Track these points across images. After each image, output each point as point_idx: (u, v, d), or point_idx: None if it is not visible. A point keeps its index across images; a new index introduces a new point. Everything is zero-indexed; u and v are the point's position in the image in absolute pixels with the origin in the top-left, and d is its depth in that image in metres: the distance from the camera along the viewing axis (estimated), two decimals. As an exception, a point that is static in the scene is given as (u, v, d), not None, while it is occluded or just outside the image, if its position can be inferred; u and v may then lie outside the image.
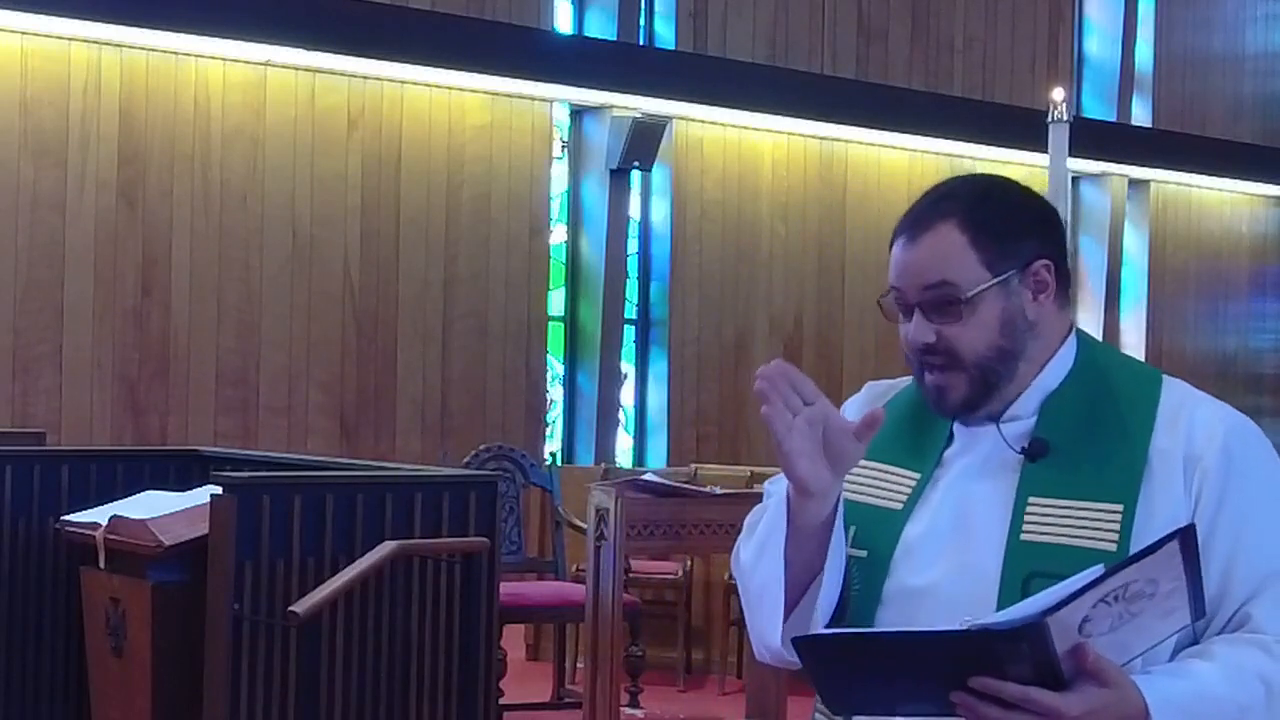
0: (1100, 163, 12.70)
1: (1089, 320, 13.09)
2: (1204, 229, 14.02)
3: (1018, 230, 2.16)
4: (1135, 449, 2.10)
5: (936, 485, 2.18)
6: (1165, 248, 13.67)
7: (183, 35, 8.85)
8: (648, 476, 6.04)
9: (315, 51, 9.28)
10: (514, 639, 7.30)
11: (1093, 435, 2.13)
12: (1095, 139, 11.79)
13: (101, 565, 4.99)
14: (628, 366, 11.10)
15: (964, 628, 1.84)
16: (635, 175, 10.82)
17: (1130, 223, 13.47)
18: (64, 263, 8.75)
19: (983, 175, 2.29)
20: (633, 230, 11.07)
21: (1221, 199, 14.15)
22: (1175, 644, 2.04)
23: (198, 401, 9.11)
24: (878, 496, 2.21)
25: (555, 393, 10.85)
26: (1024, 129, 10.02)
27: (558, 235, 10.78)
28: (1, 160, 8.59)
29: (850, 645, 1.92)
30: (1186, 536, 1.88)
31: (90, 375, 8.81)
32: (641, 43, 11.00)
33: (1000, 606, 2.02)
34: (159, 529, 4.80)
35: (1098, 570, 1.87)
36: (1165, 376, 2.19)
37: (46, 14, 8.46)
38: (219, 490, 4.62)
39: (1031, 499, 2.10)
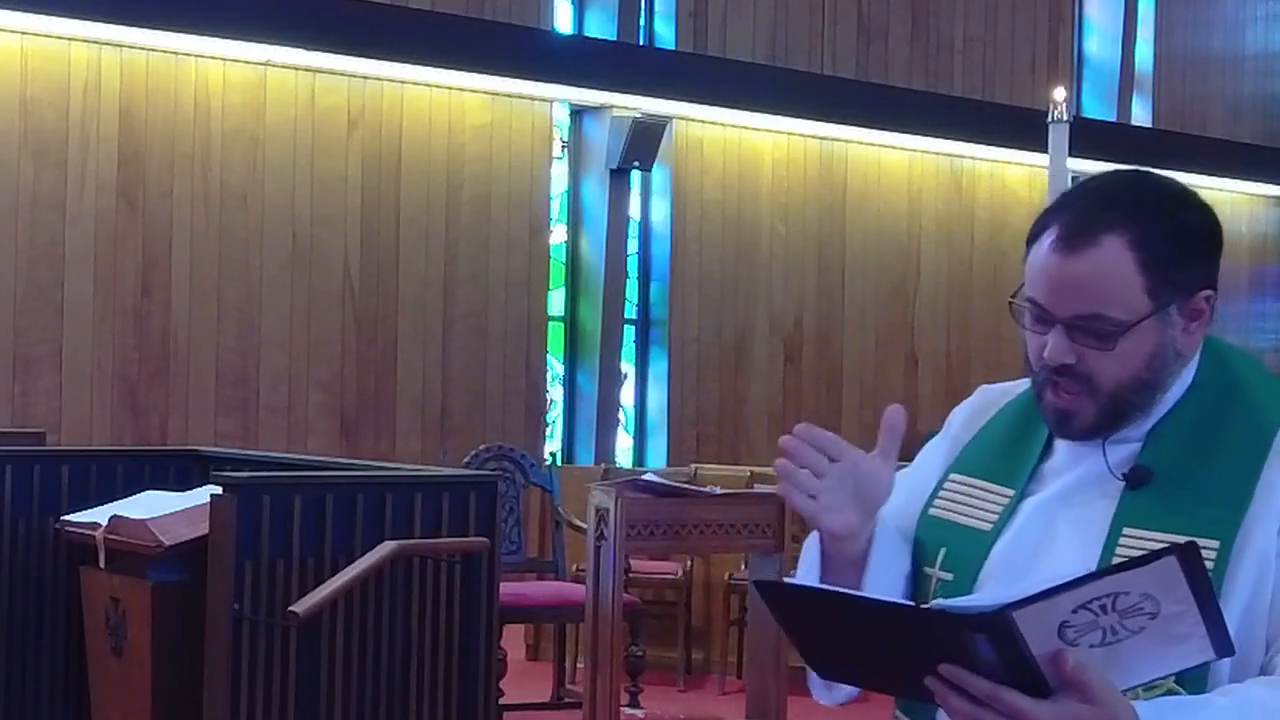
0: (1100, 163, 12.67)
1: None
2: (1204, 229, 14.01)
3: (1189, 255, 1.95)
4: (1243, 480, 1.91)
5: (1028, 503, 2.02)
6: (1165, 248, 13.66)
7: (183, 35, 8.85)
8: (648, 476, 6.04)
9: (315, 51, 9.28)
10: (514, 639, 7.30)
11: (1201, 462, 1.94)
12: (1095, 139, 11.79)
13: (101, 565, 4.99)
14: (628, 366, 11.10)
15: (928, 607, 1.74)
16: (635, 175, 10.82)
17: (1130, 223, 13.46)
18: (64, 263, 8.75)
19: (1153, 178, 2.01)
20: (633, 230, 11.07)
21: (1221, 199, 14.14)
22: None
23: (198, 401, 9.11)
24: (969, 516, 2.06)
25: (555, 393, 10.85)
26: (1024, 129, 10.03)
27: (558, 235, 10.79)
28: (1, 160, 8.60)
29: (813, 601, 1.83)
30: (1186, 554, 1.71)
31: (90, 375, 8.81)
32: (641, 43, 11.00)
33: None
34: (159, 529, 4.81)
35: (1077, 571, 1.74)
36: None
37: (46, 14, 8.46)
38: (219, 490, 4.62)
39: (1126, 529, 1.93)
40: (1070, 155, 7.33)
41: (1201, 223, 1.97)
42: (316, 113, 9.52)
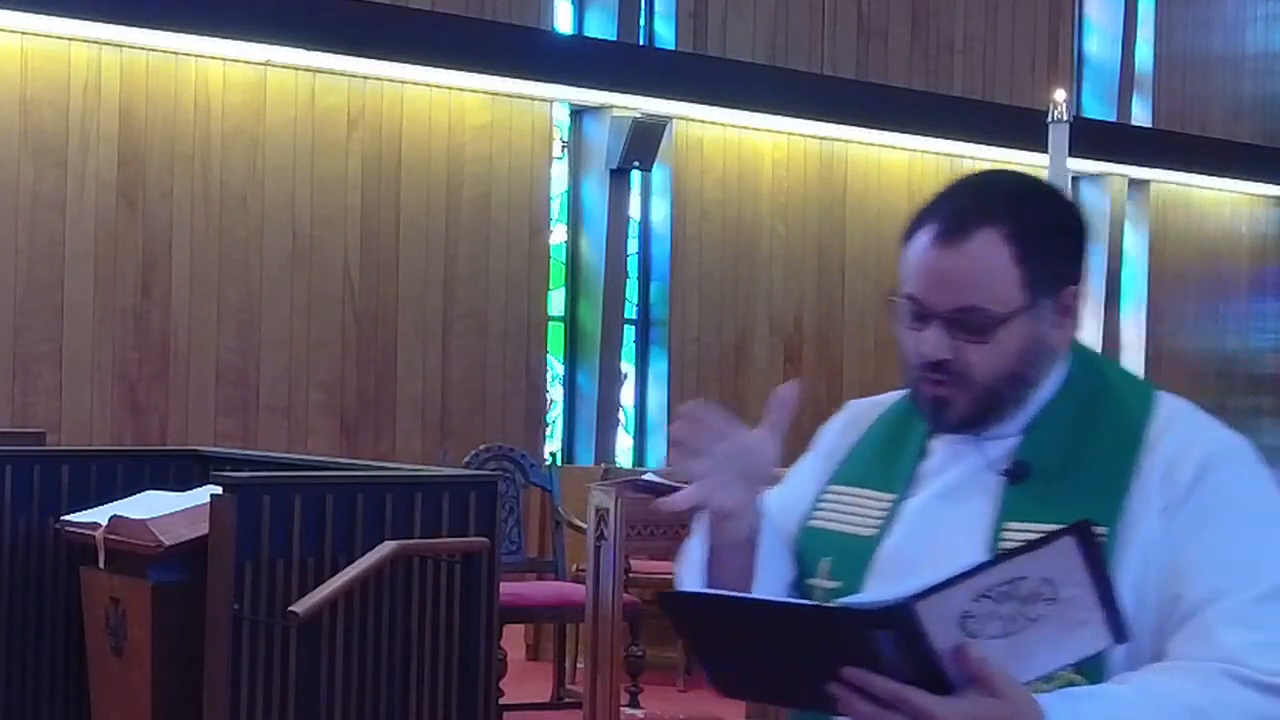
0: (1100, 163, 12.70)
1: (1089, 320, 13.08)
2: (1204, 229, 14.02)
3: (1061, 250, 2.00)
4: (1120, 471, 1.94)
5: (909, 504, 2.04)
6: (1165, 248, 13.67)
7: (183, 35, 8.85)
8: (648, 476, 6.04)
9: (315, 51, 9.28)
10: (514, 639, 7.30)
11: (1077, 457, 1.98)
12: (1095, 139, 11.79)
13: (101, 565, 4.99)
14: (628, 366, 11.10)
15: (830, 605, 1.72)
16: (635, 175, 10.82)
17: (1130, 223, 13.47)
18: (64, 263, 8.75)
19: (1026, 176, 2.08)
20: (633, 230, 11.07)
21: (1221, 199, 14.15)
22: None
23: (198, 401, 9.11)
24: (850, 524, 2.07)
25: (555, 393, 10.85)
26: (1024, 129, 10.03)
27: (558, 235, 10.78)
28: (1, 160, 8.60)
29: (713, 608, 1.79)
30: (1083, 533, 1.70)
31: (90, 375, 8.81)
32: (641, 43, 11.00)
33: None
34: (159, 529, 4.81)
35: (978, 558, 1.74)
36: (1160, 393, 2.05)
37: (46, 14, 8.46)
38: (219, 490, 4.62)
39: (1009, 524, 1.95)
40: (1070, 155, 7.33)
41: (1071, 220, 2.02)
42: (316, 113, 9.52)
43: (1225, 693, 1.80)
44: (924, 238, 1.98)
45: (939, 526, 1.99)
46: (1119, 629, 1.75)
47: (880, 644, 1.67)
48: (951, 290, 1.95)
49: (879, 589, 1.89)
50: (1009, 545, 1.88)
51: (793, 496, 2.17)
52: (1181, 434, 1.97)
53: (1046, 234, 1.98)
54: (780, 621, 1.74)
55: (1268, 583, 1.86)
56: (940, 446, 2.05)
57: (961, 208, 1.98)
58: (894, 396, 2.15)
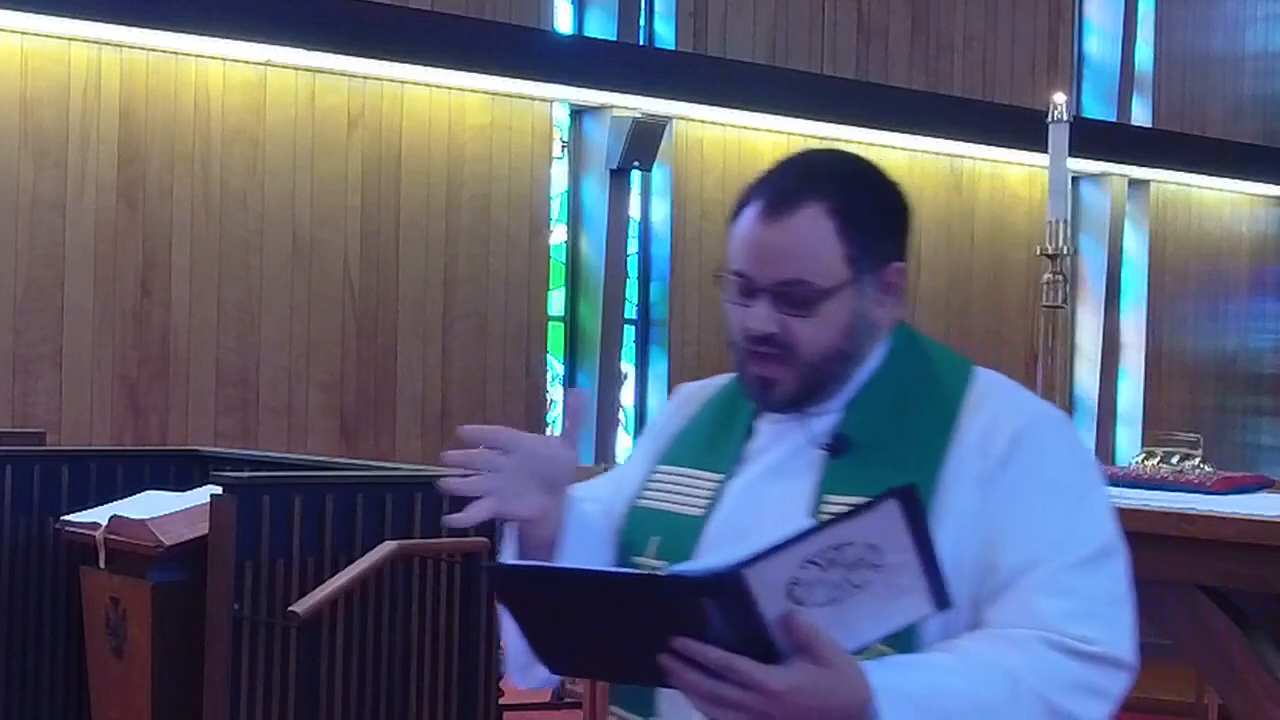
0: (1100, 163, 12.70)
1: (1089, 320, 13.10)
2: (1204, 229, 14.02)
3: (885, 227, 2.04)
4: (936, 443, 1.97)
5: (737, 480, 2.06)
6: (1165, 248, 13.67)
7: (183, 35, 8.85)
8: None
9: (315, 51, 9.28)
10: (514, 639, 7.29)
11: (896, 430, 2.01)
12: (1095, 139, 11.79)
13: (101, 565, 5.00)
14: (628, 366, 11.10)
15: (660, 574, 1.71)
16: (635, 175, 10.82)
17: (1130, 223, 13.47)
18: (64, 263, 8.75)
19: (850, 155, 2.11)
20: (633, 230, 11.07)
21: (1221, 199, 14.15)
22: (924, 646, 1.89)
23: (198, 401, 9.11)
24: (678, 503, 2.09)
25: (555, 393, 10.85)
26: (1024, 129, 10.02)
27: (558, 235, 10.78)
28: (1, 160, 8.60)
29: (543, 580, 1.79)
30: (906, 497, 1.71)
31: (90, 375, 8.81)
32: (641, 43, 11.00)
33: None
34: (159, 529, 4.81)
35: (805, 523, 1.74)
36: (978, 368, 2.07)
37: (46, 14, 8.46)
38: (219, 490, 4.62)
39: (828, 496, 1.97)
40: (1070, 155, 7.34)
41: (895, 198, 2.06)
42: (316, 113, 9.51)
43: (1041, 659, 1.83)
44: (750, 213, 2.02)
45: (762, 503, 2.01)
46: (941, 596, 1.76)
47: (709, 612, 1.65)
48: (777, 263, 1.98)
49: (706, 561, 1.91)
50: (830, 514, 1.90)
51: (625, 479, 2.21)
52: (996, 405, 2.00)
53: (870, 211, 2.02)
54: (609, 592, 1.72)
55: (1081, 550, 1.90)
56: (766, 426, 2.08)
57: (786, 184, 2.02)
58: (725, 379, 2.17)
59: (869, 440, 2.00)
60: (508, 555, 2.06)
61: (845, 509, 1.79)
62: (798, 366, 2.00)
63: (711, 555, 1.89)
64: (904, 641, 1.86)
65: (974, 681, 1.81)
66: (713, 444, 2.12)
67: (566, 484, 2.04)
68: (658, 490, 2.13)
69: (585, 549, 2.04)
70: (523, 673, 2.09)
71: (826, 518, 1.87)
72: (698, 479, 2.10)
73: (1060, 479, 1.96)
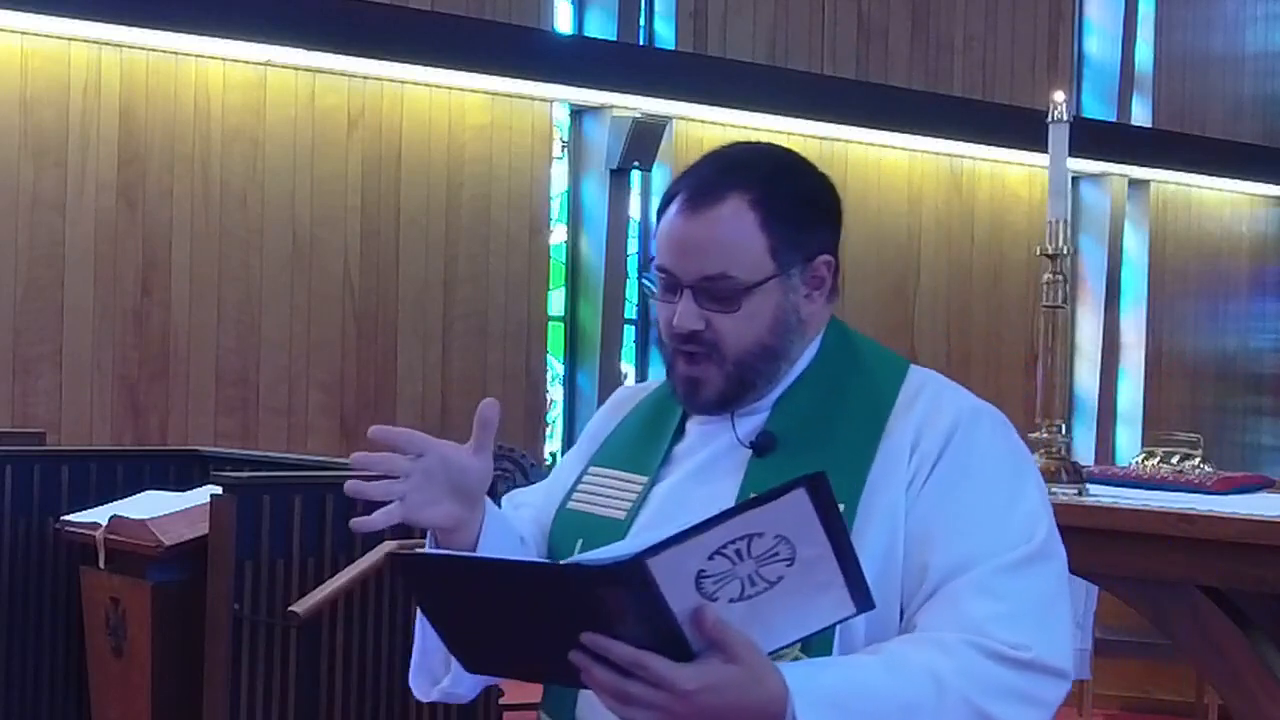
0: (1100, 163, 12.70)
1: (1089, 320, 13.10)
2: (1204, 229, 14.02)
3: (810, 219, 1.99)
4: (864, 442, 1.92)
5: (662, 484, 2.01)
6: (1165, 248, 13.67)
7: (183, 35, 8.85)
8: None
9: (315, 51, 9.28)
10: (514, 639, 7.29)
11: (824, 428, 1.95)
12: (1095, 139, 11.79)
13: (101, 565, 5.00)
14: (628, 366, 11.10)
15: (563, 563, 1.64)
16: (635, 175, 10.82)
17: (1130, 223, 13.47)
18: (64, 263, 8.75)
19: (775, 147, 2.09)
20: (633, 230, 11.07)
21: (1221, 199, 14.15)
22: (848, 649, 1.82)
23: (198, 401, 9.11)
24: (604, 506, 2.04)
25: (555, 393, 10.85)
26: (1024, 129, 10.02)
27: (558, 235, 10.79)
28: (1, 160, 8.60)
29: (448, 570, 1.73)
30: (815, 485, 1.63)
31: (90, 375, 8.81)
32: (641, 43, 11.00)
33: None
34: (159, 529, 4.81)
35: (709, 512, 1.64)
36: (913, 366, 2.02)
37: (46, 14, 8.46)
38: (219, 490, 4.62)
39: (753, 495, 1.86)
40: (1070, 155, 7.33)
41: (820, 190, 2.02)
42: (316, 113, 9.52)
43: (968, 663, 1.78)
44: (673, 207, 2.00)
45: (686, 505, 1.92)
46: (861, 595, 1.70)
47: (613, 604, 1.60)
48: (699, 258, 1.94)
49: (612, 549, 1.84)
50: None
51: (559, 482, 2.17)
52: (928, 404, 1.95)
53: (794, 203, 1.98)
54: (514, 582, 1.67)
55: (1013, 551, 1.85)
56: (695, 427, 2.03)
57: (709, 176, 2.02)
58: (659, 382, 2.13)
59: (795, 439, 1.94)
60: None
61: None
62: (724, 365, 1.95)
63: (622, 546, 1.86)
64: (823, 645, 1.80)
65: (897, 683, 1.75)
66: (641, 445, 2.07)
67: (481, 493, 1.95)
68: (586, 493, 2.08)
69: (501, 550, 1.97)
70: (424, 678, 2.03)
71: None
72: (624, 481, 2.05)
73: (992, 476, 1.91)
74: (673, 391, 2.02)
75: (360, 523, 1.92)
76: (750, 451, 1.96)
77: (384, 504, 1.90)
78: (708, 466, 1.99)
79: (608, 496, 2.05)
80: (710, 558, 1.61)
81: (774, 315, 1.95)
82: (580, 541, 1.99)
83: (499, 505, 2.09)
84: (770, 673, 1.67)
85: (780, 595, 1.66)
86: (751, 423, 1.98)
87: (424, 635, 2.03)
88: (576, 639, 1.63)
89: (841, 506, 1.75)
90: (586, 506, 2.06)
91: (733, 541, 1.61)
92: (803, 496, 1.63)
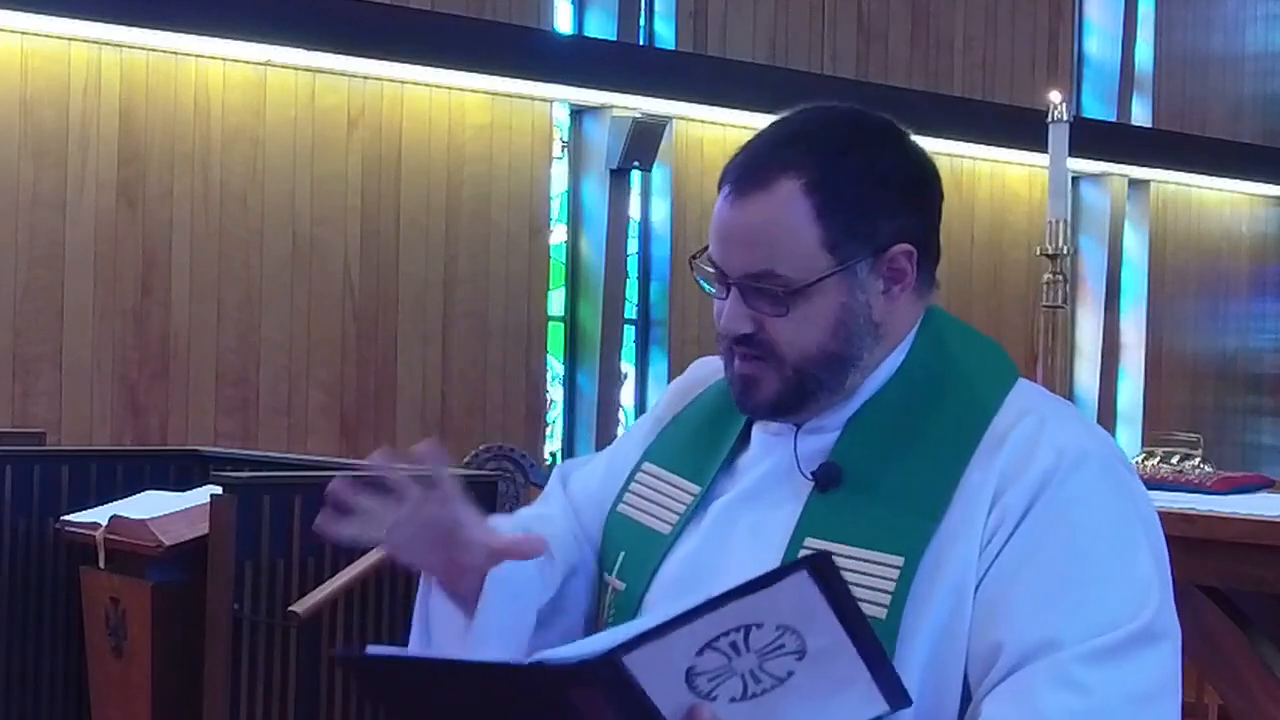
0: (1100, 163, 12.70)
1: (1089, 320, 13.09)
2: (1204, 229, 14.02)
3: (883, 203, 1.69)
4: (940, 483, 1.60)
5: (712, 503, 1.74)
6: (1165, 248, 13.67)
7: (183, 35, 8.85)
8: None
9: (315, 51, 9.28)
10: (514, 639, 7.28)
11: (895, 461, 1.64)
12: (1095, 139, 11.78)
13: (101, 565, 4.99)
14: (628, 366, 11.10)
15: (527, 662, 1.40)
16: (635, 175, 10.82)
17: (1130, 223, 13.47)
18: (64, 263, 8.75)
19: (849, 111, 1.75)
20: (633, 230, 11.06)
21: (1221, 199, 14.15)
22: None
23: (198, 401, 9.11)
24: (650, 515, 1.78)
25: (555, 393, 10.85)
26: (1024, 129, 10.02)
27: (558, 235, 10.78)
28: (1, 160, 8.59)
29: (399, 670, 1.52)
30: (820, 567, 1.39)
31: (90, 375, 8.81)
32: (641, 43, 10.99)
33: None
34: (159, 529, 4.81)
35: (693, 600, 1.40)
36: (1021, 383, 1.69)
37: (46, 14, 8.45)
38: (219, 490, 4.62)
39: (808, 540, 1.62)
40: (1070, 155, 7.34)
41: (900, 165, 1.72)
42: (316, 113, 9.51)
43: None
44: (723, 190, 1.70)
45: (735, 533, 1.69)
46: (894, 691, 1.45)
47: (591, 704, 1.37)
48: (744, 253, 1.66)
49: (655, 609, 1.64)
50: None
51: (617, 467, 1.89)
52: (1023, 441, 1.62)
53: (863, 185, 1.67)
54: (479, 684, 1.46)
55: (1107, 634, 1.53)
56: (760, 434, 1.75)
57: (762, 153, 1.69)
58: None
59: (863, 473, 1.65)
60: (436, 603, 1.77)
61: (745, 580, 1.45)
62: (782, 369, 1.67)
63: (667, 596, 1.66)
64: None
65: None
66: (698, 448, 1.79)
67: (472, 541, 1.69)
68: (638, 494, 1.82)
69: (505, 614, 1.71)
70: None
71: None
72: (675, 488, 1.78)
73: (1091, 537, 1.57)
74: (729, 389, 1.75)
75: (327, 527, 1.67)
76: (812, 482, 1.67)
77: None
78: (764, 489, 1.71)
79: (656, 504, 1.79)
80: (699, 653, 1.39)
81: (837, 317, 1.66)
82: (622, 554, 1.76)
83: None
84: None
85: (793, 693, 1.42)
86: (816, 444, 1.70)
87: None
88: None
89: (900, 561, 1.56)
90: (634, 513, 1.80)
91: (725, 634, 1.39)
92: (805, 580, 1.40)
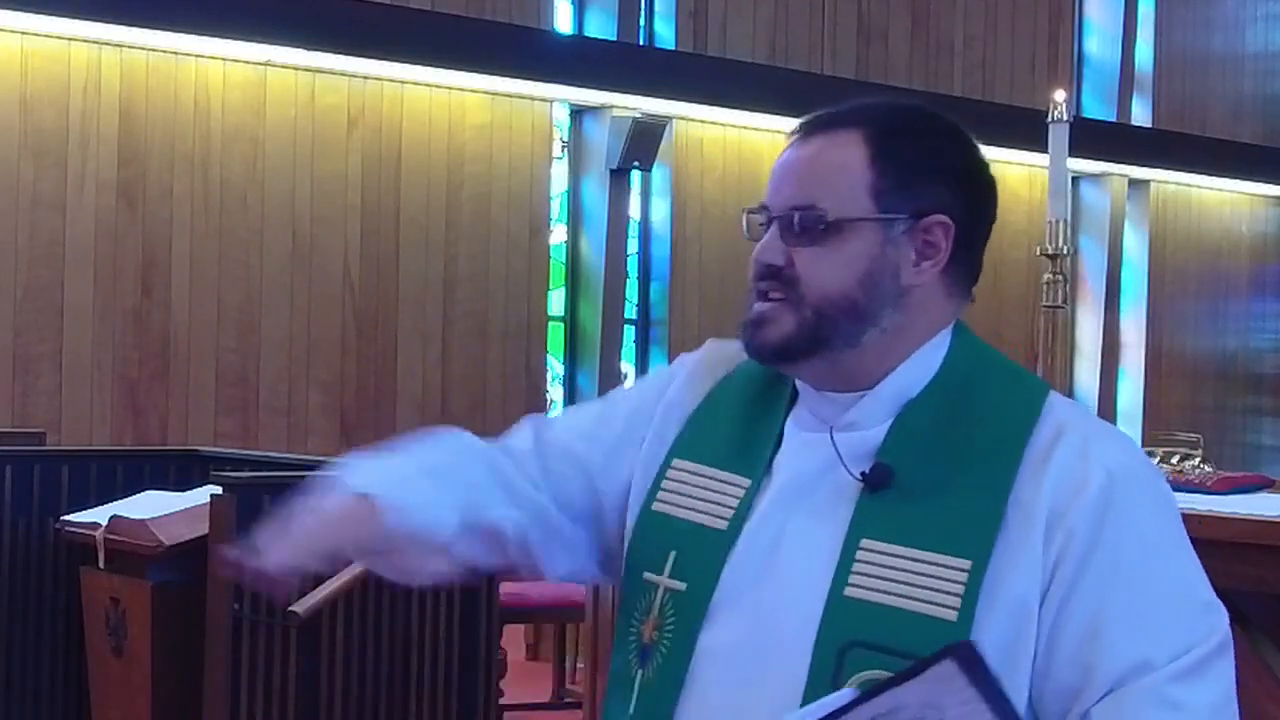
0: (1100, 163, 12.70)
1: (1089, 320, 13.09)
2: (1204, 229, 14.02)
3: (929, 171, 1.73)
4: (995, 494, 1.63)
5: (764, 497, 1.74)
6: (1165, 248, 13.67)
7: (183, 35, 8.85)
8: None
9: (315, 51, 9.28)
10: (514, 639, 7.29)
11: (948, 466, 1.66)
12: (1095, 139, 11.79)
13: (101, 565, 4.99)
14: (628, 366, 11.10)
15: None
16: (635, 175, 10.82)
17: (1130, 223, 13.47)
18: (64, 263, 8.75)
19: (923, 106, 1.84)
20: (633, 230, 11.07)
21: (1221, 199, 14.15)
22: None
23: (198, 401, 9.11)
24: (700, 512, 1.77)
25: (555, 393, 10.85)
26: (1024, 129, 10.01)
27: (558, 235, 10.78)
28: (1, 160, 8.59)
29: None
30: (965, 654, 1.47)
31: (90, 375, 8.81)
32: (641, 43, 10.99)
33: (810, 683, 1.60)
34: (159, 529, 4.80)
35: (850, 693, 1.50)
36: (1053, 395, 1.72)
37: (46, 14, 8.46)
38: (219, 490, 4.62)
39: (865, 541, 1.65)
40: (1070, 155, 7.34)
41: (958, 153, 1.77)
42: (316, 113, 9.51)
43: None
44: (790, 139, 1.79)
45: (782, 536, 1.71)
46: None
47: None
48: (793, 185, 1.73)
49: (728, 616, 1.69)
50: (864, 566, 1.63)
51: (606, 430, 1.91)
52: (1070, 457, 1.66)
53: (917, 151, 1.73)
54: None
55: (1194, 651, 1.62)
56: (794, 433, 1.77)
57: (831, 110, 1.78)
58: (746, 360, 1.84)
59: (914, 476, 1.66)
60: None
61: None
62: (800, 308, 1.70)
63: (731, 595, 1.69)
64: None
65: None
66: (740, 441, 1.79)
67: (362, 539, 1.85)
68: (674, 493, 1.80)
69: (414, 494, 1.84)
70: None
71: (858, 575, 1.63)
72: (723, 483, 1.77)
73: (1163, 558, 1.64)
74: (771, 374, 1.78)
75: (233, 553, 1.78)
76: (859, 481, 1.68)
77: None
78: (809, 486, 1.72)
79: (704, 500, 1.77)
80: None
81: (867, 266, 1.69)
82: (674, 554, 1.75)
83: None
84: None
85: None
86: (857, 443, 1.71)
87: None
88: None
89: (968, 565, 1.60)
90: (679, 511, 1.78)
91: (875, 718, 1.49)
92: (953, 670, 1.47)
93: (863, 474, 1.68)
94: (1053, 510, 1.62)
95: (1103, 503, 1.62)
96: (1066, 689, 1.61)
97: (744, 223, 1.81)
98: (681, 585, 1.74)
